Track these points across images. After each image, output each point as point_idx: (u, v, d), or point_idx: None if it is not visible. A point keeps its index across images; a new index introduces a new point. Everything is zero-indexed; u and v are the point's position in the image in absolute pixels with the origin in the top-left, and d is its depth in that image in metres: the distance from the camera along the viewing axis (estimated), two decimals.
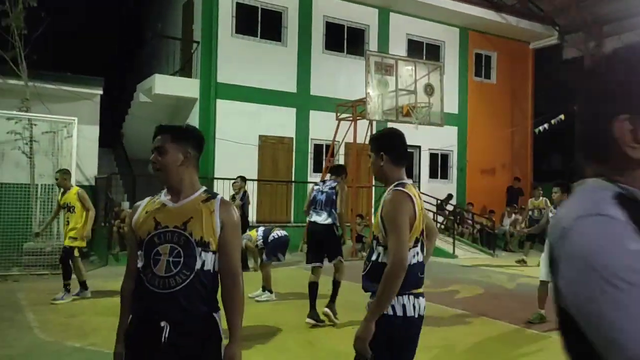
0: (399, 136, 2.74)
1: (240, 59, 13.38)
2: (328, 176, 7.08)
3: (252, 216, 12.75)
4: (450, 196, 15.84)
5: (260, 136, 13.66)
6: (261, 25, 13.90)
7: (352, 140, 12.55)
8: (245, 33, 13.66)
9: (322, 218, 6.39)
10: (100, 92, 12.58)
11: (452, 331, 6.08)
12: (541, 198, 12.21)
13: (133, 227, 2.22)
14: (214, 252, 2.16)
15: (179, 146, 2.23)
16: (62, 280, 7.34)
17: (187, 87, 13.18)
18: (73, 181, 8.22)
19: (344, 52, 15.02)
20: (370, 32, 15.40)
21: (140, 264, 2.16)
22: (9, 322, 6.02)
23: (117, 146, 16.26)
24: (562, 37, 17.69)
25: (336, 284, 6.46)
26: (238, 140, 12.90)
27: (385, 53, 13.51)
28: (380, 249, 2.54)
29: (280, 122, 13.87)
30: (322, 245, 6.44)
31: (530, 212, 12.24)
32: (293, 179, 14.03)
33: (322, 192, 6.51)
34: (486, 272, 10.74)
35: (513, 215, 15.34)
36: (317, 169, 14.22)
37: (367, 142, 13.53)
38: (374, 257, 2.56)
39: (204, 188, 2.30)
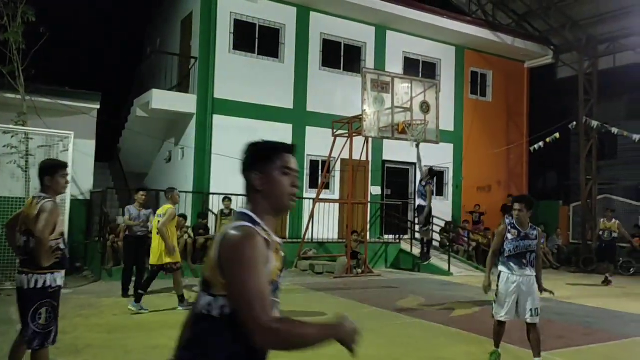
0: None
1: (237, 75, 13.46)
2: None
3: None
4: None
5: None
6: (259, 41, 14.01)
7: (348, 157, 12.57)
8: (243, 49, 13.75)
9: None
10: (98, 106, 12.60)
11: (447, 351, 6.03)
12: (614, 220, 12.70)
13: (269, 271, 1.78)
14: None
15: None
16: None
17: (184, 102, 13.22)
18: (68, 195, 8.18)
19: (340, 68, 15.13)
20: (367, 50, 15.53)
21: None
22: (3, 336, 5.95)
23: (114, 161, 16.26)
24: (557, 57, 17.88)
25: None
26: (234, 156, 12.87)
27: (381, 70, 13.60)
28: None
29: (276, 137, 13.43)
30: None
31: (600, 233, 12.83)
32: None
33: None
34: (481, 290, 10.70)
35: None
36: (313, 184, 14.22)
37: (362, 158, 13.54)
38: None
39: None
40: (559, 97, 20.20)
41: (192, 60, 13.54)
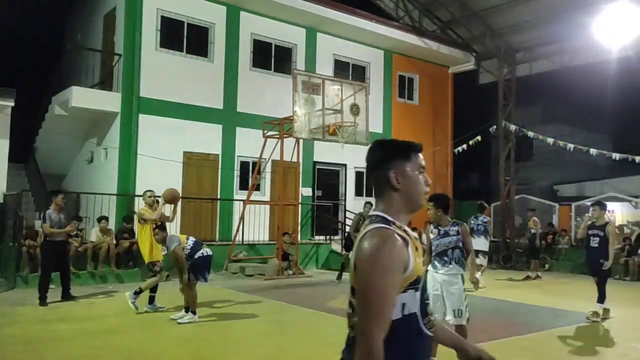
0: None
1: (164, 73, 13.06)
2: None
3: (176, 234, 12.35)
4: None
5: (184, 152, 13.33)
6: (187, 40, 13.67)
7: (279, 158, 12.53)
8: (171, 47, 13.36)
9: None
10: (12, 103, 11.83)
11: None
12: (534, 218, 13.86)
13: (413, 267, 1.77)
14: None
15: None
16: None
17: (107, 101, 12.66)
18: None
19: (271, 69, 15.06)
20: (298, 51, 15.56)
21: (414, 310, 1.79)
22: None
23: (29, 161, 15.31)
24: (479, 63, 18.73)
25: None
26: (161, 157, 12.51)
27: (312, 72, 13.68)
28: None
29: (205, 138, 13.62)
30: None
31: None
32: (219, 197, 13.78)
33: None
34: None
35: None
36: (244, 186, 14.06)
37: (293, 159, 13.58)
38: None
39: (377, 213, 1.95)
40: (481, 102, 21.15)
41: (116, 57, 13.00)
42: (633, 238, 14.71)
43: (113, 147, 12.70)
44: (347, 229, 13.87)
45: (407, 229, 1.84)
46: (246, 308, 8.49)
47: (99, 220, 10.99)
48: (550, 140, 16.49)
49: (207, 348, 6.08)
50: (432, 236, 5.40)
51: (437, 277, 5.31)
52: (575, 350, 6.54)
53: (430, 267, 5.39)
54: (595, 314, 7.97)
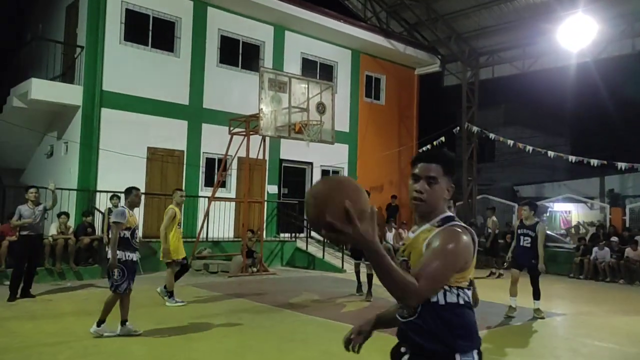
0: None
1: (128, 67, 12.85)
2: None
3: (139, 231, 12.16)
4: None
5: (149, 148, 13.15)
6: (152, 34, 13.47)
7: (245, 155, 12.50)
8: (135, 41, 13.14)
9: None
10: None
11: (337, 345, 6.21)
12: (493, 218, 14.24)
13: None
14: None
15: (448, 178, 2.11)
16: None
17: (69, 94, 12.36)
18: None
19: (238, 66, 14.99)
20: (266, 49, 15.53)
21: None
22: None
23: None
24: (443, 66, 19.08)
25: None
26: (124, 152, 12.31)
27: (279, 70, 13.68)
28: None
29: (170, 134, 13.47)
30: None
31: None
32: None
33: None
34: (376, 287, 11.12)
35: (393, 230, 16.09)
36: (209, 183, 13.96)
37: (259, 157, 13.53)
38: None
39: (447, 215, 2.10)
40: (445, 103, 21.57)
41: (78, 50, 12.71)
42: (587, 238, 15.27)
43: (74, 142, 12.42)
44: None
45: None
46: (209, 305, 8.46)
47: (59, 215, 10.75)
48: (510, 142, 16.94)
49: (167, 345, 6.04)
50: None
51: None
52: (527, 346, 6.78)
53: None
54: (538, 310, 8.22)
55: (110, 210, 10.15)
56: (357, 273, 9.77)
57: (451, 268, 1.93)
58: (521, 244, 8.33)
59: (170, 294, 8.26)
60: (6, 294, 8.37)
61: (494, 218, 14.33)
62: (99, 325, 6.15)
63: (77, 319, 7.01)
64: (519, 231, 8.45)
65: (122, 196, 7.72)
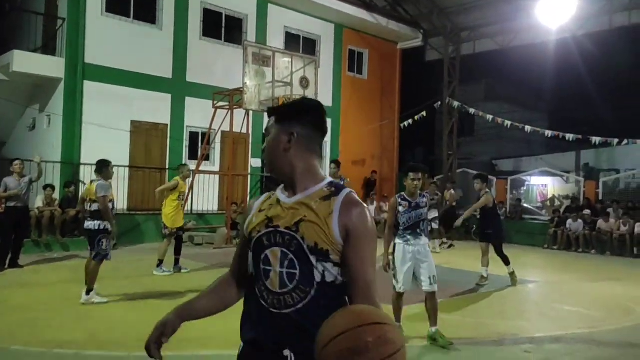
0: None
1: (111, 39, 12.76)
2: None
3: (122, 203, 12.32)
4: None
5: (132, 121, 13.17)
6: (134, 5, 13.35)
7: (229, 129, 12.61)
8: (117, 12, 13.02)
9: None
10: None
11: None
12: (452, 191, 14.74)
13: (245, 228, 1.82)
14: (335, 264, 1.68)
15: (286, 127, 1.77)
16: None
17: (51, 66, 12.28)
18: None
19: (222, 39, 14.95)
20: (249, 22, 15.48)
21: (251, 271, 1.78)
22: None
23: None
24: (426, 40, 19.20)
25: None
26: (108, 125, 12.33)
27: (263, 44, 13.71)
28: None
29: (154, 107, 13.48)
30: None
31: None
32: (167, 166, 13.75)
33: None
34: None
35: (375, 203, 16.42)
36: (193, 156, 14.06)
37: (243, 131, 13.64)
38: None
39: (329, 180, 1.79)
40: (427, 78, 21.77)
41: (60, 21, 12.58)
42: (562, 210, 15.78)
43: (57, 114, 12.40)
44: None
45: (278, 193, 1.81)
46: (193, 276, 8.70)
47: (45, 188, 10.82)
48: (489, 117, 17.26)
49: (156, 310, 6.26)
50: (401, 209, 5.25)
51: (407, 249, 5.25)
52: (498, 309, 7.17)
53: (399, 240, 5.32)
54: (513, 274, 8.57)
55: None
56: None
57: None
58: (477, 216, 8.74)
59: (160, 263, 8.51)
60: None
61: (452, 191, 14.93)
62: (87, 293, 6.39)
63: (67, 287, 7.20)
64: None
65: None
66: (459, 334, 5.57)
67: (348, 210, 1.67)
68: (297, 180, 1.75)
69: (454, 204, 14.79)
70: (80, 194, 11.80)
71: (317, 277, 1.65)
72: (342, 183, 2.10)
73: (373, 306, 1.55)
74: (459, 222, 8.97)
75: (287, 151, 1.75)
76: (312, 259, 1.65)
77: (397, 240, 5.34)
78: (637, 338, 5.85)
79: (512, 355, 5.06)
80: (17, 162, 8.89)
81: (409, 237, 5.27)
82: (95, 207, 6.49)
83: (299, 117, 1.77)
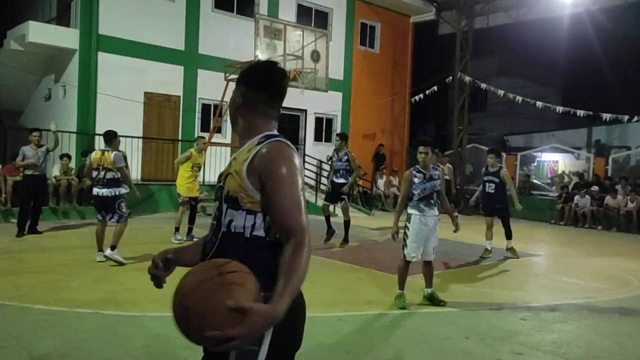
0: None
1: (124, 10, 12.87)
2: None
3: (137, 174, 12.62)
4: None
5: (145, 93, 13.38)
6: None
7: None
8: None
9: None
10: None
11: (331, 276, 6.78)
12: (447, 165, 14.76)
13: None
14: (248, 211, 1.70)
15: (237, 88, 1.92)
16: None
17: (65, 37, 12.47)
18: None
19: (233, 12, 14.98)
20: None
21: None
22: None
23: None
24: (439, 14, 19.01)
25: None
26: (122, 96, 12.55)
27: (274, 17, 13.74)
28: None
29: (167, 79, 13.65)
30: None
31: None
32: (180, 138, 13.99)
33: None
34: (362, 229, 11.70)
35: (384, 177, 16.57)
36: (205, 128, 14.28)
37: None
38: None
39: (265, 134, 1.82)
40: (440, 52, 21.59)
41: None
42: (570, 187, 15.85)
43: (72, 85, 12.63)
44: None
45: None
46: None
47: (61, 157, 11.13)
48: (501, 92, 17.20)
49: (173, 275, 6.56)
50: (416, 181, 5.46)
51: (423, 220, 5.48)
52: (498, 280, 7.38)
53: (415, 211, 5.51)
54: (512, 249, 8.79)
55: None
56: (327, 218, 9.58)
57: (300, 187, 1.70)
58: (487, 190, 8.84)
59: (176, 230, 8.88)
60: (14, 231, 8.89)
61: (449, 165, 15.07)
62: (112, 249, 6.90)
63: (85, 252, 7.52)
64: (484, 178, 8.92)
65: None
66: (459, 301, 5.81)
67: (260, 155, 1.70)
68: (240, 137, 1.87)
69: (446, 176, 14.92)
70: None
71: (224, 227, 1.75)
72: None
73: (295, 251, 1.59)
74: (520, 207, 8.77)
75: (237, 110, 1.89)
76: (224, 207, 1.75)
77: (413, 211, 5.54)
78: (630, 307, 6.04)
79: (508, 322, 5.29)
80: (35, 133, 9.14)
81: (423, 207, 5.50)
82: (110, 175, 6.88)
83: (245, 79, 1.88)
